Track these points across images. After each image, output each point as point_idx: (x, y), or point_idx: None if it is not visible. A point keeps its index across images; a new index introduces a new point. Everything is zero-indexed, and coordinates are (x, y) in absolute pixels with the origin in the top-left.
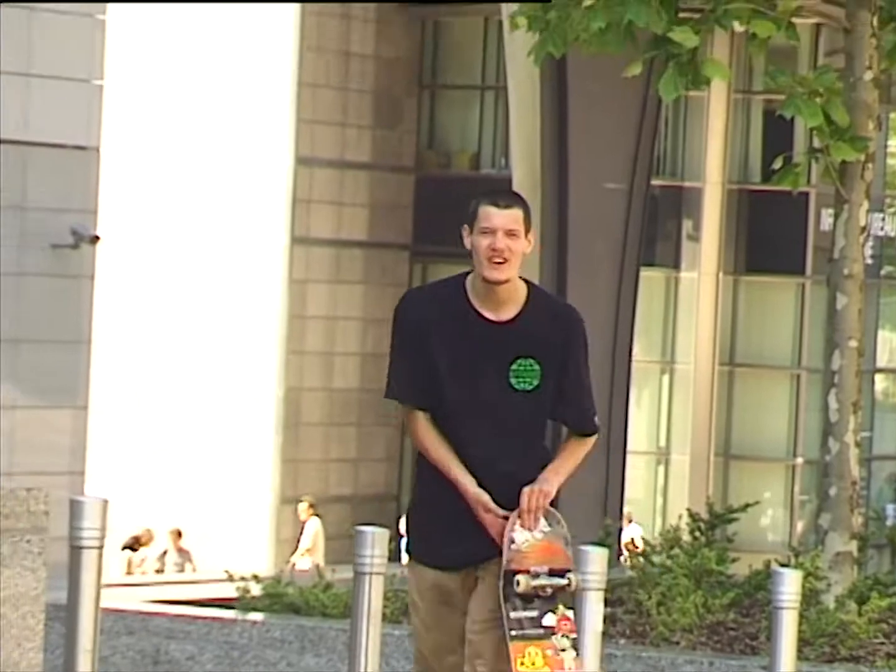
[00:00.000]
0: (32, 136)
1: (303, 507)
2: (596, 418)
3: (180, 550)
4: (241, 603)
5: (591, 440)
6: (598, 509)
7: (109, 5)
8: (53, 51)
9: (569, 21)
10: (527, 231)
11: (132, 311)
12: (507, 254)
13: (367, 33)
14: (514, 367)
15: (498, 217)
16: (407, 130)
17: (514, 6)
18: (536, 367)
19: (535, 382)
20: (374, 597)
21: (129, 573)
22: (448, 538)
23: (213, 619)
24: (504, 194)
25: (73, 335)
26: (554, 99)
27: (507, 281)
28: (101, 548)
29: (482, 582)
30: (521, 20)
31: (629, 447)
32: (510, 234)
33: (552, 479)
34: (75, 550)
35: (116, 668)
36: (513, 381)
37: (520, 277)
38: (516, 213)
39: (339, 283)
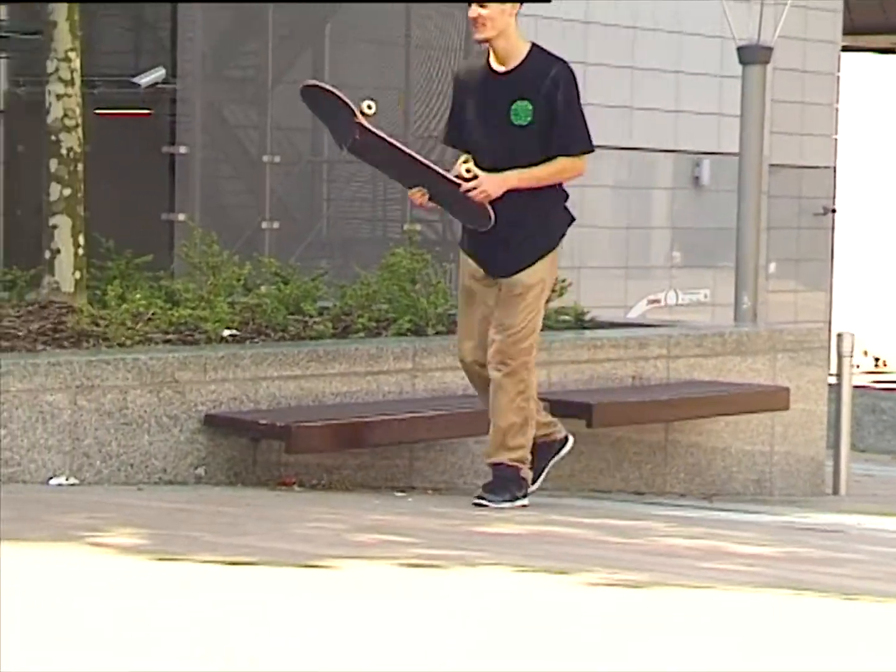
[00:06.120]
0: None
1: None
2: (585, 146)
3: None
4: None
5: (573, 161)
6: None
7: None
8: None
9: None
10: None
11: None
12: (480, 19)
13: None
14: (513, 107)
15: None
16: None
17: None
18: (530, 107)
19: (529, 119)
20: None
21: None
22: None
23: None
24: None
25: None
26: None
27: (487, 39)
28: (850, 356)
29: None
30: None
31: None
32: (480, 4)
33: (506, 179)
34: (840, 358)
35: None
36: (513, 118)
37: (531, 43)
38: None
39: None
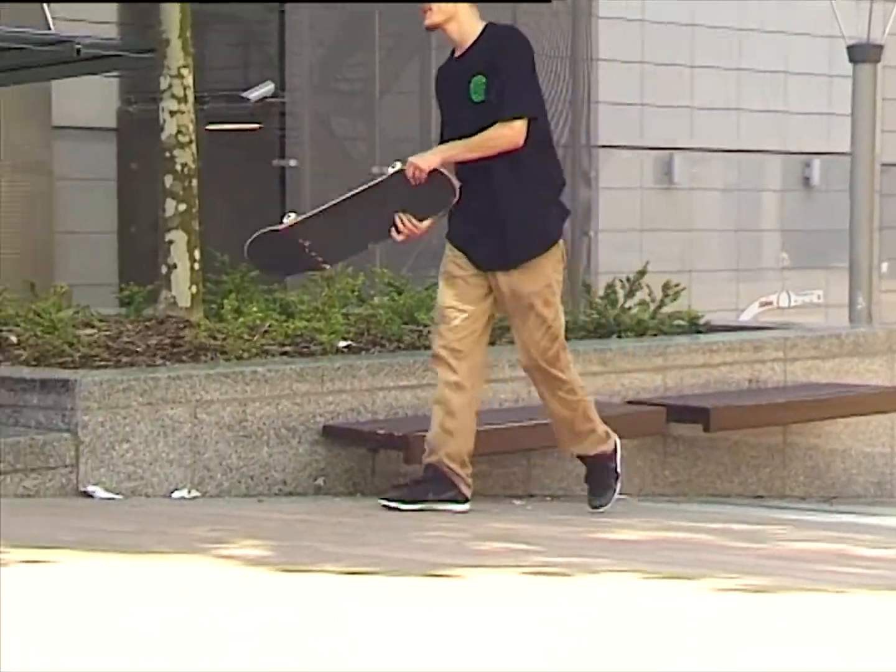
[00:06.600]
0: None
1: None
2: (517, 110)
3: None
4: None
5: (503, 126)
6: None
7: None
8: None
9: None
10: None
11: None
12: (426, 4)
13: None
14: (471, 84)
15: None
16: None
17: None
18: (484, 80)
19: (484, 94)
20: None
21: None
22: None
23: None
24: None
25: None
26: None
27: (435, 26)
28: None
29: None
30: None
31: None
32: None
33: (435, 153)
34: None
35: None
36: (472, 96)
37: (488, 22)
38: None
39: None
